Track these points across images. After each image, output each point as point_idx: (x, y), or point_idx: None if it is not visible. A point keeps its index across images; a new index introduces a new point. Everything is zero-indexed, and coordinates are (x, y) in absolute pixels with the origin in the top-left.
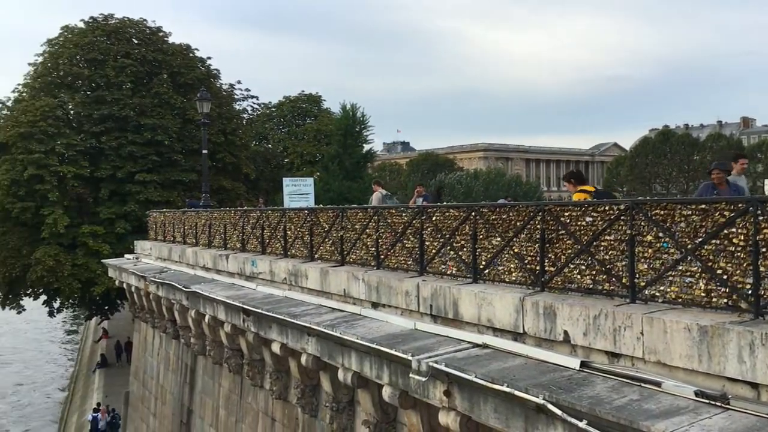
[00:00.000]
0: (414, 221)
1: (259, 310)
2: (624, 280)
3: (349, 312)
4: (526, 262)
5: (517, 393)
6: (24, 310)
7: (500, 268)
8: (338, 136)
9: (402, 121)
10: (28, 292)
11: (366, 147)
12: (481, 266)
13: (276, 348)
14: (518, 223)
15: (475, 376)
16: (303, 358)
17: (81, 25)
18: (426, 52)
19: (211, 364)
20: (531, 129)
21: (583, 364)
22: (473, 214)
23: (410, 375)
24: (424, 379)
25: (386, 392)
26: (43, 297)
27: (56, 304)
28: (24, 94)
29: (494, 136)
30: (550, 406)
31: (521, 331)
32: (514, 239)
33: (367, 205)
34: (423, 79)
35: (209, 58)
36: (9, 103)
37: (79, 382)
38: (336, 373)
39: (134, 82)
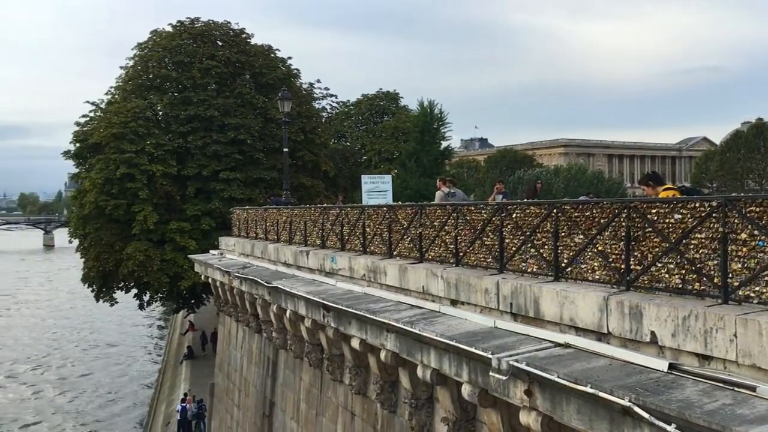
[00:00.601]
0: (493, 218)
1: (339, 306)
2: (716, 280)
3: (427, 309)
4: (610, 260)
5: (601, 394)
6: (116, 302)
7: (583, 266)
8: (416, 133)
9: (480, 117)
10: (120, 285)
11: (443, 144)
12: (563, 264)
13: (355, 343)
14: (602, 221)
15: (558, 376)
16: (382, 354)
17: (169, 29)
18: (506, 47)
19: (293, 358)
20: (615, 123)
21: (671, 366)
22: (555, 211)
23: (490, 373)
24: (504, 378)
25: (465, 390)
26: (134, 290)
27: (146, 298)
28: (116, 97)
29: (575, 131)
30: (637, 409)
31: (605, 331)
32: (598, 237)
33: (446, 202)
34: (502, 74)
35: (290, 58)
36: (102, 105)
37: (167, 372)
38: (415, 370)
39: (218, 83)
